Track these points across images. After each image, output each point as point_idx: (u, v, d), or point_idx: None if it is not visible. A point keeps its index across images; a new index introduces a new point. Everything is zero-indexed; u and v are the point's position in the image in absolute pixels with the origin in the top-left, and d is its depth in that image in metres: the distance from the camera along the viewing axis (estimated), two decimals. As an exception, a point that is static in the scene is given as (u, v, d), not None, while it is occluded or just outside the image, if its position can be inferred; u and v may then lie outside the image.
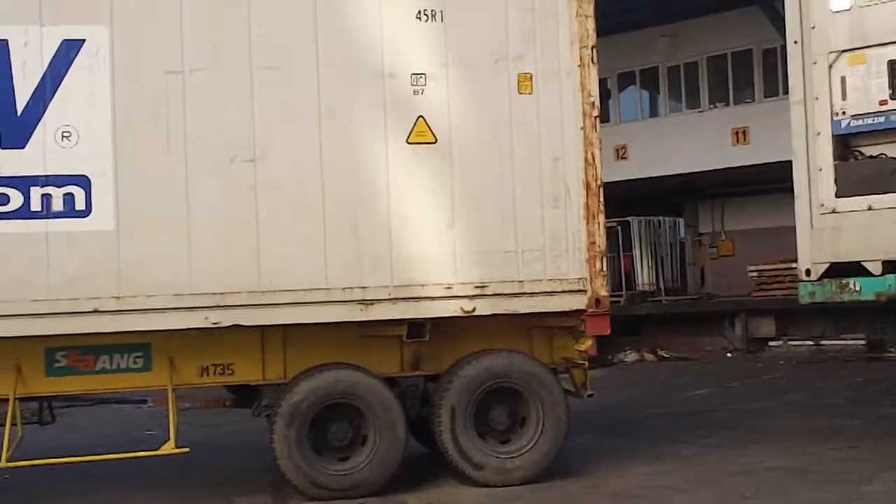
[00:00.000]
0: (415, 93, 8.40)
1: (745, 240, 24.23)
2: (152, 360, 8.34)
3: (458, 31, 8.52)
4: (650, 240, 22.91)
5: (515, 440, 8.76)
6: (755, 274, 21.53)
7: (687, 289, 23.86)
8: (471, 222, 8.48)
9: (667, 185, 23.67)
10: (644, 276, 22.61)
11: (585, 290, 8.70)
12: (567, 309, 8.72)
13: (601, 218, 8.84)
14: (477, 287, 8.45)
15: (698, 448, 10.00)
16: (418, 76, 8.43)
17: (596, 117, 8.87)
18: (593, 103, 8.82)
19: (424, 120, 8.42)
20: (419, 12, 8.46)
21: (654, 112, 25.19)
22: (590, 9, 8.86)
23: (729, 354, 20.73)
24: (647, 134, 24.09)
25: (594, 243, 8.76)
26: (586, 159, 8.78)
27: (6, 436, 7.90)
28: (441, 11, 8.49)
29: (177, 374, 8.35)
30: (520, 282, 8.57)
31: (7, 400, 8.10)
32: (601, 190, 8.85)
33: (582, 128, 8.78)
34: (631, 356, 20.24)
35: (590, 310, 8.70)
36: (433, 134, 8.44)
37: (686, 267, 23.95)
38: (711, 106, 24.11)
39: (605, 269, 8.85)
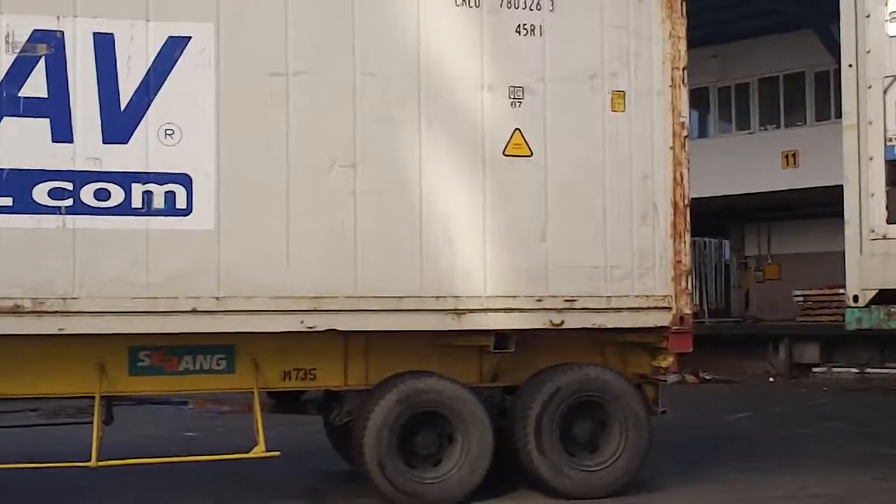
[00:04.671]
0: (512, 105, 8.42)
1: (792, 264, 24.12)
2: (236, 363, 8.33)
3: (556, 46, 8.56)
4: (695, 261, 22.84)
5: (599, 454, 8.76)
6: (801, 299, 21.46)
7: (730, 311, 23.77)
8: (562, 236, 8.49)
9: (713, 206, 23.60)
10: (688, 296, 22.50)
11: (670, 308, 8.76)
12: (652, 325, 8.75)
13: (687, 237, 8.95)
14: (566, 301, 8.46)
15: (739, 471, 9.95)
16: (516, 89, 8.44)
17: (685, 137, 8.98)
18: (683, 123, 8.94)
19: (521, 133, 8.44)
20: (519, 26, 8.48)
21: (703, 132, 25.14)
22: (682, 30, 8.95)
23: (771, 379, 20.64)
24: (695, 154, 23.97)
25: (680, 262, 8.85)
26: (675, 178, 8.88)
27: (94, 435, 7.82)
28: (540, 26, 8.52)
29: (261, 377, 8.34)
30: (607, 297, 8.60)
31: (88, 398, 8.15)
32: (688, 209, 8.90)
33: (671, 147, 8.88)
34: (672, 377, 20.15)
35: (674, 327, 8.74)
36: (529, 147, 8.46)
37: (730, 289, 23.86)
38: (762, 128, 24.06)
39: (689, 287, 8.90)
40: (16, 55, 7.49)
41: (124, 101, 7.69)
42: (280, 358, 8.38)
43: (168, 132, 7.74)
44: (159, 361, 8.21)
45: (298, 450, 10.68)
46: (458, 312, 8.21)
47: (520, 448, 8.57)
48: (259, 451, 8.02)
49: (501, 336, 8.46)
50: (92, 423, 8.04)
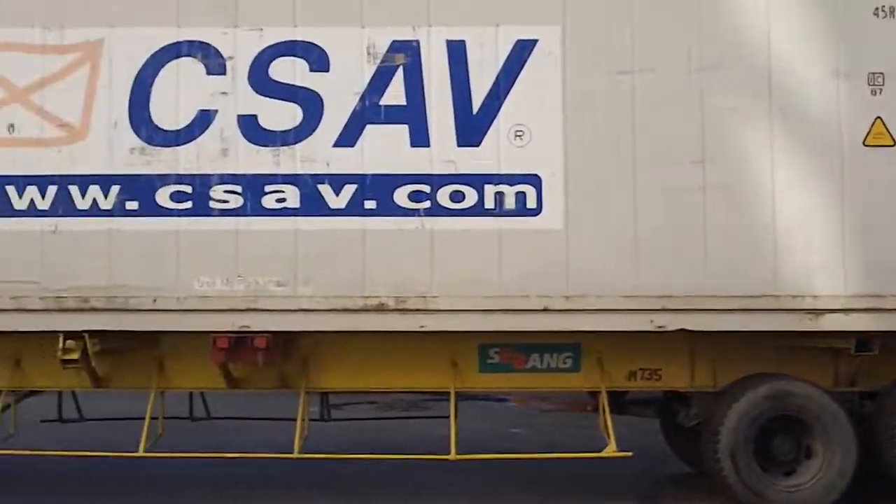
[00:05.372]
0: (872, 93, 7.94)
1: None
2: (582, 362, 8.42)
3: None
4: None
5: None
6: None
7: None
8: None
9: None
10: None
11: None
12: None
13: None
14: None
15: None
16: (876, 76, 7.95)
17: None
18: None
19: (882, 121, 7.94)
20: (877, 9, 7.99)
21: None
22: None
23: None
24: None
25: None
26: None
27: (452, 429, 8.09)
28: None
29: (606, 376, 8.37)
30: None
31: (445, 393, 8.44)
32: None
33: None
34: None
35: None
36: (892, 136, 7.95)
37: None
38: None
39: None
40: (377, 66, 7.91)
41: (476, 105, 7.92)
42: (625, 357, 8.40)
43: (518, 133, 7.90)
44: (508, 359, 8.46)
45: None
46: (817, 312, 7.83)
47: (884, 445, 8.10)
48: (611, 450, 8.04)
49: (863, 337, 8.00)
50: (445, 416, 8.37)
